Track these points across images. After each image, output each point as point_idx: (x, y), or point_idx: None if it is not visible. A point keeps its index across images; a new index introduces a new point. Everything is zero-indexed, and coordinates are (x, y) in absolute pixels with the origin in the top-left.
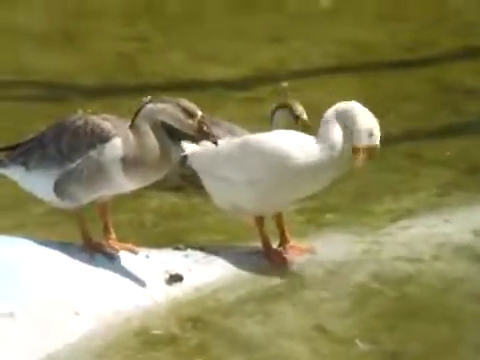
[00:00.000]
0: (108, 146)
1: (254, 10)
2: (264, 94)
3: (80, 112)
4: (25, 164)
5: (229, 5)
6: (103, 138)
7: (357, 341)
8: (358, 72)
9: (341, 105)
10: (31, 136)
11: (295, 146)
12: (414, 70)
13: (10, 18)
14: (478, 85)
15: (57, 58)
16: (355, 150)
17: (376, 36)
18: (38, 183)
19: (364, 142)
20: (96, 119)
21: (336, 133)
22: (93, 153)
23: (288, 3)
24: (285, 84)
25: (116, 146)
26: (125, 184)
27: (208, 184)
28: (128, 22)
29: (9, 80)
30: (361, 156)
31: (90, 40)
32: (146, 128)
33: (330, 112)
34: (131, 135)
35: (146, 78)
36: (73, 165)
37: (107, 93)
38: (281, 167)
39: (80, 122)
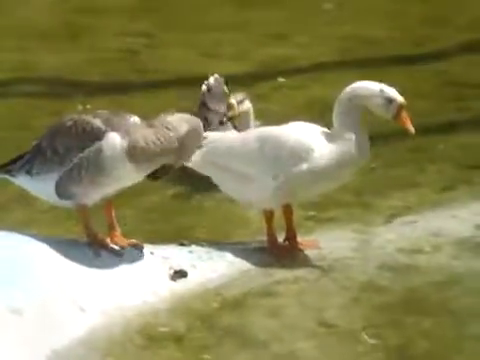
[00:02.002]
0: (105, 142)
1: (258, 5)
2: (268, 90)
3: (80, 108)
4: (29, 172)
5: (233, 0)
6: (96, 136)
7: (364, 335)
8: (363, 67)
9: (346, 93)
10: (34, 143)
11: (314, 139)
12: (419, 65)
13: (14, 15)
14: None
15: (61, 55)
16: (397, 118)
17: (381, 31)
18: (42, 188)
19: (394, 109)
20: (85, 117)
21: (353, 125)
22: (89, 151)
23: None
24: (282, 80)
25: (113, 141)
26: (131, 174)
27: (219, 178)
28: (132, 18)
29: (13, 77)
30: (405, 118)
31: (94, 36)
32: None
33: (341, 104)
34: (136, 125)
35: (150, 74)
36: (70, 165)
37: (112, 89)
38: (300, 161)
39: (70, 122)
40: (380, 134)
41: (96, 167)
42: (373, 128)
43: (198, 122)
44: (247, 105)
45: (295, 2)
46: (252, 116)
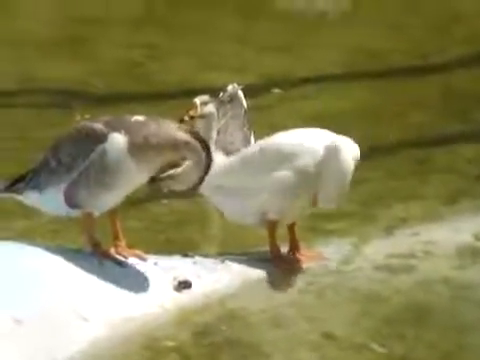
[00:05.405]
0: (108, 144)
1: (262, 17)
2: (272, 101)
3: (78, 118)
4: (37, 187)
5: (237, 12)
6: (99, 139)
7: (373, 344)
8: (367, 79)
9: None
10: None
11: (315, 142)
12: (423, 77)
13: (16, 26)
14: None
15: (64, 66)
16: None
17: (385, 43)
18: (51, 201)
19: None
20: (87, 123)
21: None
22: (94, 156)
23: (296, 10)
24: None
25: (116, 140)
26: (135, 173)
27: (223, 203)
28: (135, 29)
29: (16, 89)
30: None
31: (97, 47)
32: None
33: None
34: (137, 122)
35: (153, 85)
36: (77, 173)
37: (114, 100)
38: (308, 166)
39: (73, 131)
40: (384, 145)
41: (102, 169)
42: (377, 139)
43: (201, 151)
44: (210, 109)
45: (300, 14)
46: (215, 122)
